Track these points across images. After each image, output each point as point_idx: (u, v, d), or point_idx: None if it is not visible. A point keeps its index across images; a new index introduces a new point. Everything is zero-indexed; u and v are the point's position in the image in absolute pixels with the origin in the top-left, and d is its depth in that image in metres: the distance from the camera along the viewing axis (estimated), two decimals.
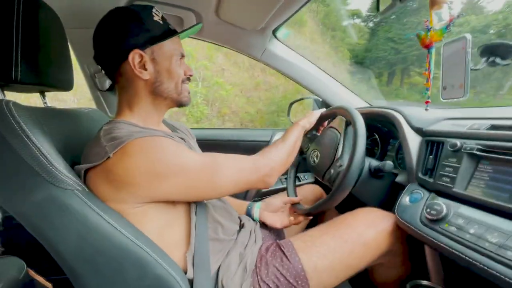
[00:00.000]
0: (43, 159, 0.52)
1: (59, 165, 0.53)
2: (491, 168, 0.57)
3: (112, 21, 0.63)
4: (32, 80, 0.63)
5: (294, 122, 0.87)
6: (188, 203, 0.66)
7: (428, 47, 0.62)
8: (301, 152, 1.04)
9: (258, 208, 0.93)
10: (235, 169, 0.64)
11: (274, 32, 1.13)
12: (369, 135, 1.13)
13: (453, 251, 0.52)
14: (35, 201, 0.51)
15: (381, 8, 0.61)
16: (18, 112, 0.54)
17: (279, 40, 1.18)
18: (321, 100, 1.38)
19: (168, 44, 0.65)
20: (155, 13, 0.64)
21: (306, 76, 1.25)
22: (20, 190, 0.52)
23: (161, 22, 0.64)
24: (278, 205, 0.94)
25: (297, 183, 1.39)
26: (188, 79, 0.71)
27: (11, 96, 0.70)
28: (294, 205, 0.91)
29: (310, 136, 1.00)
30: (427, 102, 0.75)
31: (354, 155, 0.69)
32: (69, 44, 0.78)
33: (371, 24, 5.37)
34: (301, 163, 1.08)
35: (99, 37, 0.64)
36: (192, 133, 0.96)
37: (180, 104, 0.71)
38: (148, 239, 0.58)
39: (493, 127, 0.60)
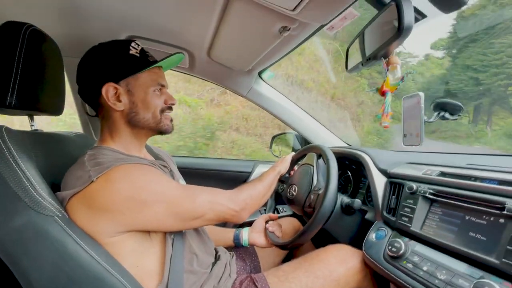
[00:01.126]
0: (27, 184, 0.53)
1: (43, 191, 0.55)
2: (441, 211, 0.64)
3: (90, 57, 0.69)
4: (24, 106, 0.66)
5: (271, 166, 0.95)
6: (164, 233, 0.67)
7: (384, 93, 0.72)
8: (281, 182, 1.10)
9: (246, 232, 0.97)
10: (213, 201, 0.67)
11: (260, 73, 1.24)
12: (343, 173, 1.22)
13: (409, 287, 0.57)
14: (14, 226, 0.52)
15: (349, 67, 0.72)
16: (9, 137, 0.56)
17: (264, 81, 1.29)
18: (301, 136, 1.48)
19: (144, 76, 0.68)
20: (132, 47, 0.68)
21: (287, 114, 1.35)
22: (0, 213, 0.52)
23: (137, 55, 0.68)
24: (263, 224, 0.99)
25: (276, 214, 1.43)
26: (170, 107, 0.74)
27: None
28: (270, 236, 0.94)
29: (284, 179, 1.07)
30: (386, 127, 0.83)
31: (330, 178, 0.77)
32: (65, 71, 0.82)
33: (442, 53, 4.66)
34: (279, 196, 1.13)
35: (79, 72, 0.70)
36: (174, 160, 1.00)
37: (160, 132, 0.74)
38: (123, 269, 0.59)
39: (443, 174, 0.69)
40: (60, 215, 0.55)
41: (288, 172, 1.04)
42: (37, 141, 0.69)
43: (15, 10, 0.82)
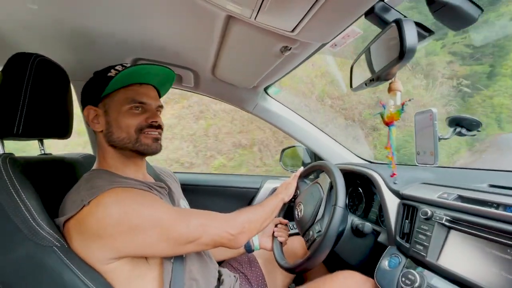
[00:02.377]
0: (27, 215, 0.54)
1: (42, 221, 0.55)
2: (459, 240, 0.59)
3: (83, 88, 0.73)
4: (31, 134, 0.68)
5: (274, 192, 0.93)
6: (162, 262, 0.66)
7: (389, 125, 0.69)
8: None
9: (256, 237, 0.96)
10: (208, 225, 0.65)
11: (265, 89, 1.23)
12: (353, 190, 1.16)
13: None
14: (14, 258, 0.52)
15: (354, 85, 0.69)
16: (12, 167, 0.57)
17: (270, 96, 1.27)
18: (310, 150, 1.44)
19: (118, 95, 0.67)
20: (114, 69, 0.67)
21: (295, 128, 1.33)
22: (0, 246, 0.53)
23: (113, 76, 0.66)
24: (272, 228, 0.98)
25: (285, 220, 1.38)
26: (151, 126, 0.69)
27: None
28: (276, 258, 0.90)
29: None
30: (393, 175, 0.81)
31: (330, 225, 0.72)
32: (73, 94, 0.85)
33: None
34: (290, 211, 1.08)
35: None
36: (179, 177, 0.99)
37: (139, 153, 0.69)
38: None
39: (460, 198, 0.64)
40: (58, 244, 0.55)
41: (295, 192, 1.01)
42: (44, 167, 0.71)
43: (26, 41, 0.86)
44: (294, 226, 1.45)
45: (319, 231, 0.80)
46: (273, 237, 0.96)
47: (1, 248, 0.52)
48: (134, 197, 0.60)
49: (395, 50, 0.49)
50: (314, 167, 0.96)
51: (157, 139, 0.71)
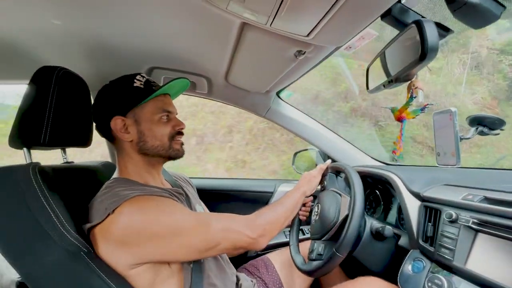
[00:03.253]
0: (56, 221, 0.56)
1: (70, 227, 0.57)
2: (489, 244, 0.57)
3: (100, 95, 0.73)
4: (56, 143, 0.70)
5: (295, 186, 0.90)
6: (182, 267, 0.66)
7: (401, 119, 0.67)
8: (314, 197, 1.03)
9: None
10: (228, 230, 0.65)
11: (277, 93, 1.23)
12: (371, 192, 1.14)
13: None
14: (45, 263, 0.54)
15: (370, 87, 0.68)
16: (41, 175, 0.60)
17: (282, 100, 1.28)
18: (324, 153, 1.43)
19: (149, 105, 0.70)
20: (137, 80, 0.71)
21: (309, 131, 1.32)
22: (31, 251, 0.55)
23: (142, 86, 0.70)
24: None
25: (302, 236, 1.36)
26: (179, 133, 0.75)
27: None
28: (294, 261, 0.89)
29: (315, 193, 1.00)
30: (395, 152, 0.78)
31: (349, 227, 0.70)
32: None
33: None
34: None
35: (93, 110, 0.75)
36: (194, 182, 1.00)
37: (170, 158, 0.75)
38: None
39: (486, 200, 0.62)
40: (86, 250, 0.57)
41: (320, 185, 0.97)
42: (68, 175, 0.73)
43: (49, 54, 0.90)
44: (308, 230, 1.43)
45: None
46: (290, 232, 0.93)
47: (34, 253, 0.54)
48: (156, 205, 0.61)
49: (415, 51, 0.48)
50: (338, 167, 0.92)
51: (183, 144, 0.77)
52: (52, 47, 0.86)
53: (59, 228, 0.56)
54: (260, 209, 0.77)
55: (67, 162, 0.86)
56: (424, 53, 0.44)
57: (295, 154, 1.57)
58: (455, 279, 0.59)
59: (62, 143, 0.74)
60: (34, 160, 0.68)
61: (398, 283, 0.68)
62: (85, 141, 0.81)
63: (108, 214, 0.57)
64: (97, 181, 0.82)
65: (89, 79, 0.83)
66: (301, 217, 0.93)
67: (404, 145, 0.76)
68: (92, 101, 0.88)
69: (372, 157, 1.35)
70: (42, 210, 0.55)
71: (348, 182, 0.84)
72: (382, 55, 0.63)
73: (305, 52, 0.72)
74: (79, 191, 0.71)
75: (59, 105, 0.69)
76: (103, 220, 0.57)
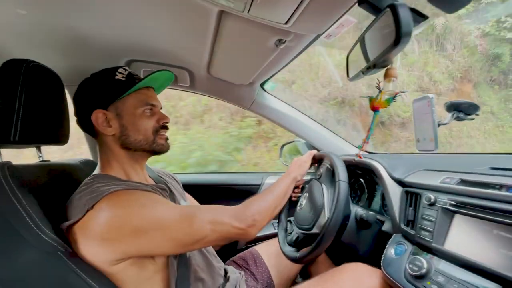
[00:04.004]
0: (29, 221, 0.53)
1: (45, 227, 0.55)
2: (465, 224, 0.59)
3: (80, 89, 0.70)
4: (29, 140, 0.67)
5: (285, 172, 0.89)
6: (168, 262, 0.65)
7: (375, 110, 0.68)
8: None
9: None
10: (214, 222, 0.63)
11: (261, 85, 1.22)
12: (355, 181, 1.16)
13: None
14: (19, 266, 0.52)
15: (350, 75, 0.69)
16: (11, 175, 0.57)
17: (266, 92, 1.27)
18: (310, 144, 1.43)
19: (131, 98, 0.69)
20: (119, 72, 0.69)
21: (294, 123, 1.32)
22: (2, 253, 0.52)
23: (123, 79, 0.68)
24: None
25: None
26: (164, 127, 0.73)
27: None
28: (282, 249, 0.89)
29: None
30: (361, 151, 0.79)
31: (338, 202, 0.70)
32: (68, 99, 0.84)
33: None
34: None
35: (74, 104, 0.72)
36: (180, 178, 0.98)
37: (154, 153, 0.73)
38: None
39: (463, 182, 0.64)
40: (63, 250, 0.55)
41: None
42: (43, 174, 0.70)
43: (17, 47, 0.85)
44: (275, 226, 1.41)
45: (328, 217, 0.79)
46: (278, 223, 0.93)
47: (6, 258, 0.52)
48: (136, 199, 0.59)
49: (391, 36, 0.48)
50: (323, 155, 0.92)
51: (167, 138, 0.75)
52: (18, 39, 0.81)
53: (33, 229, 0.53)
54: (249, 198, 0.75)
55: (43, 161, 0.82)
56: (398, 37, 0.44)
57: (282, 146, 1.57)
58: (435, 259, 0.61)
59: (35, 141, 0.71)
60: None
61: (382, 267, 0.70)
62: (61, 139, 0.78)
63: (87, 210, 0.55)
64: (75, 179, 0.78)
65: (63, 73, 0.79)
66: (293, 198, 0.92)
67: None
68: (68, 96, 0.84)
69: (355, 146, 1.37)
70: (13, 211, 0.53)
71: (333, 170, 0.85)
72: (361, 42, 0.63)
73: (285, 40, 0.71)
74: (55, 190, 0.68)
75: (29, 100, 0.66)
76: (82, 217, 0.55)
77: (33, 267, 0.52)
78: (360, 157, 0.88)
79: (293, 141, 1.55)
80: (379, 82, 0.59)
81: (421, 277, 0.59)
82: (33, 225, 0.53)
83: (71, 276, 0.53)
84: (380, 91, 0.60)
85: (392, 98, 0.63)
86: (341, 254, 0.86)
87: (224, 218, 0.65)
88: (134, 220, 0.56)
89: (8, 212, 0.53)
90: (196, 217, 0.62)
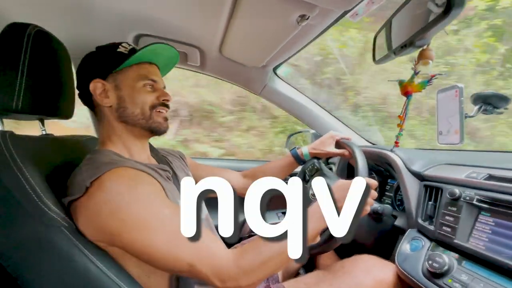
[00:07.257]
0: (31, 192, 0.50)
1: (48, 200, 0.52)
2: (492, 221, 0.55)
3: (83, 61, 0.68)
4: (32, 110, 0.63)
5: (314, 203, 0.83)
6: None
7: (407, 94, 0.64)
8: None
9: (305, 148, 0.95)
10: (194, 266, 0.51)
11: (274, 69, 1.17)
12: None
13: None
14: (18, 238, 0.49)
15: (377, 57, 0.64)
16: (13, 144, 0.53)
17: (279, 77, 1.22)
18: (319, 135, 1.39)
19: (132, 71, 0.66)
20: (122, 46, 0.66)
21: (305, 111, 1.28)
22: (3, 225, 0.50)
23: (126, 52, 0.65)
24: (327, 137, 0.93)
25: None
26: (163, 104, 0.68)
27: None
28: None
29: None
30: (396, 143, 0.76)
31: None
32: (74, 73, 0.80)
33: None
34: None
35: (76, 76, 0.69)
36: (186, 157, 0.94)
37: (151, 131, 0.68)
38: (134, 282, 0.55)
39: (491, 177, 0.60)
40: (66, 224, 0.52)
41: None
42: (46, 146, 0.67)
43: (20, 12, 0.80)
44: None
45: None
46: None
47: (4, 227, 0.49)
48: (134, 185, 0.54)
49: (427, 14, 0.43)
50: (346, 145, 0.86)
51: (167, 119, 0.70)
52: (22, 5, 0.76)
53: (35, 201, 0.50)
54: (252, 241, 0.55)
55: (46, 135, 0.79)
56: (449, 4, 0.38)
57: (289, 136, 1.53)
58: (457, 256, 0.57)
59: (38, 111, 0.67)
60: None
61: (396, 262, 0.67)
62: (67, 113, 0.74)
63: (87, 188, 0.52)
64: (77, 155, 0.75)
65: (68, 44, 0.74)
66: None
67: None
68: (74, 70, 0.80)
69: (366, 140, 1.33)
70: (14, 180, 0.49)
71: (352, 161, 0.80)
72: (389, 23, 0.57)
73: (308, 17, 0.66)
74: (59, 163, 0.65)
75: (33, 67, 0.61)
76: (82, 195, 0.52)
77: (35, 239, 0.49)
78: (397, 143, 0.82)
79: (301, 131, 1.50)
80: (415, 65, 0.54)
81: (441, 275, 0.55)
82: (34, 196, 0.50)
83: (74, 251, 0.50)
84: (415, 73, 0.56)
85: (428, 81, 0.58)
86: (347, 247, 0.83)
87: (203, 269, 0.51)
88: (122, 212, 0.50)
89: (9, 181, 0.50)
90: (178, 248, 0.51)
